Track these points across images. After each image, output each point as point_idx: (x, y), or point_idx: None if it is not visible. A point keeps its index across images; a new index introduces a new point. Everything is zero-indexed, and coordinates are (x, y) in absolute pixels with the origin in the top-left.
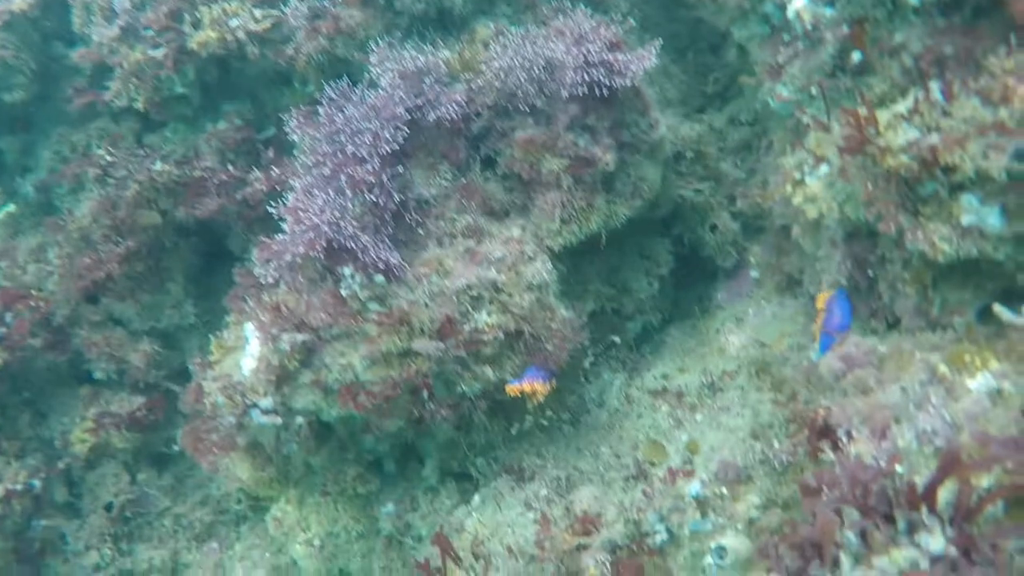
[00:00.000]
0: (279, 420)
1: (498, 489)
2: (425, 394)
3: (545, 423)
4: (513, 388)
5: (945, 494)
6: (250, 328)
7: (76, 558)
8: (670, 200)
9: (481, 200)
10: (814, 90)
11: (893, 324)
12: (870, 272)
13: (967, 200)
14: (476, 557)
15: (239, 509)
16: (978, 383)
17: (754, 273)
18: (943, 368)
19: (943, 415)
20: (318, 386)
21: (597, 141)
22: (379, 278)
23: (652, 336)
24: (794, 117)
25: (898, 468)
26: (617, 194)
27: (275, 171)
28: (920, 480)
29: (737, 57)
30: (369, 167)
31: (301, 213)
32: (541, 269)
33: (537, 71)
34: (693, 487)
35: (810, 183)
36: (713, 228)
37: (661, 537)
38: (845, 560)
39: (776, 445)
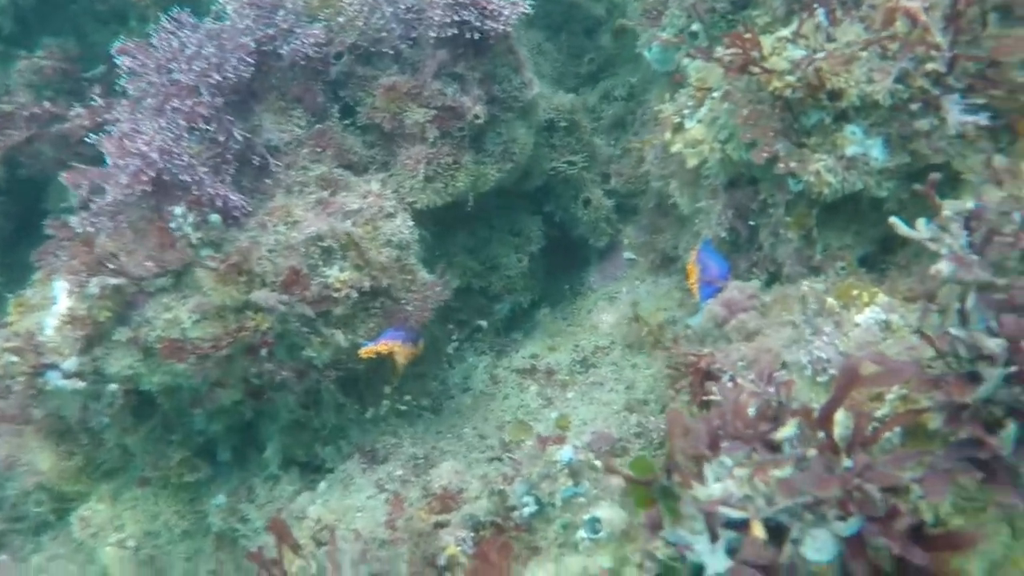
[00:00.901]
0: (81, 384)
1: (347, 472)
2: (264, 352)
3: (403, 408)
4: (368, 351)
5: (839, 429)
6: (60, 285)
7: None
8: (542, 172)
9: (338, 150)
10: (696, 26)
11: (774, 276)
12: (751, 222)
13: (851, 130)
14: (319, 544)
15: (39, 513)
16: (866, 317)
17: (628, 254)
18: (831, 301)
19: (835, 344)
20: (136, 345)
21: (467, 92)
22: (214, 217)
23: (521, 318)
24: (672, 70)
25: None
26: (487, 154)
27: (101, 106)
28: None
29: (611, 41)
30: (206, 98)
31: (127, 143)
32: (402, 226)
33: (404, 8)
34: (564, 453)
35: (690, 127)
36: (587, 203)
37: (529, 510)
38: (712, 470)
39: (652, 419)
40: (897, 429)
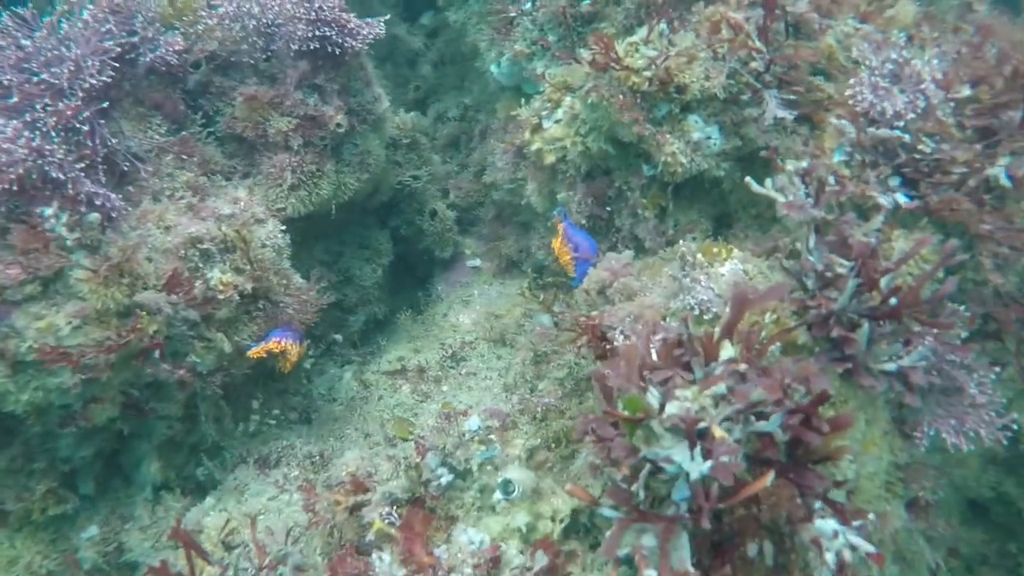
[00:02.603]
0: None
1: (238, 480)
2: (157, 355)
3: (273, 422)
4: (258, 351)
5: (727, 352)
6: None
7: None
8: (389, 186)
9: (201, 159)
10: (551, 36)
11: (636, 251)
12: (608, 208)
13: (693, 119)
14: (228, 548)
15: None
16: (728, 267)
17: (473, 262)
18: (700, 256)
19: (712, 288)
20: (3, 359)
21: (327, 102)
22: (94, 216)
23: (374, 330)
24: (517, 83)
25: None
26: (345, 163)
27: None
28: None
29: (431, 71)
30: (72, 101)
31: None
32: (274, 231)
33: (264, 23)
34: (472, 422)
35: (548, 127)
36: (433, 214)
37: (445, 479)
38: (653, 396)
39: (530, 397)
40: (777, 344)
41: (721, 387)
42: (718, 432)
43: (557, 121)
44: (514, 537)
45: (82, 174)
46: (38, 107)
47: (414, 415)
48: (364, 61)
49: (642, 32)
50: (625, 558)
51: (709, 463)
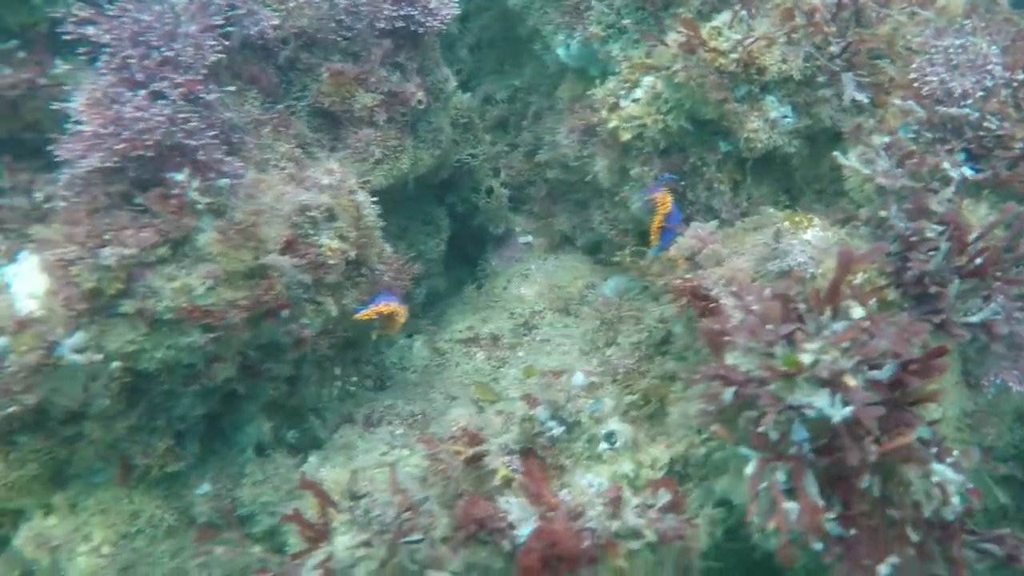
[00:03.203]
0: (99, 356)
1: (344, 440)
2: (285, 314)
3: (352, 389)
4: (367, 313)
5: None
6: (18, 267)
7: None
8: (450, 164)
9: (296, 132)
10: (628, 21)
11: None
12: (683, 183)
13: (770, 99)
14: (354, 498)
15: None
16: (811, 235)
17: (525, 239)
18: (787, 223)
19: (804, 251)
20: (143, 318)
21: (408, 80)
22: (223, 182)
23: (432, 303)
24: (586, 64)
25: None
26: (420, 139)
27: (32, 69)
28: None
29: (469, 55)
30: (196, 75)
31: (118, 108)
32: (366, 203)
33: (352, 1)
34: (577, 378)
35: (625, 105)
36: (490, 191)
37: (556, 431)
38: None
39: (613, 360)
40: (874, 300)
41: (846, 342)
42: (851, 381)
43: (635, 100)
44: (623, 482)
45: (214, 141)
46: (163, 80)
47: (494, 380)
48: (435, 41)
49: (724, 17)
50: (720, 500)
51: (850, 407)
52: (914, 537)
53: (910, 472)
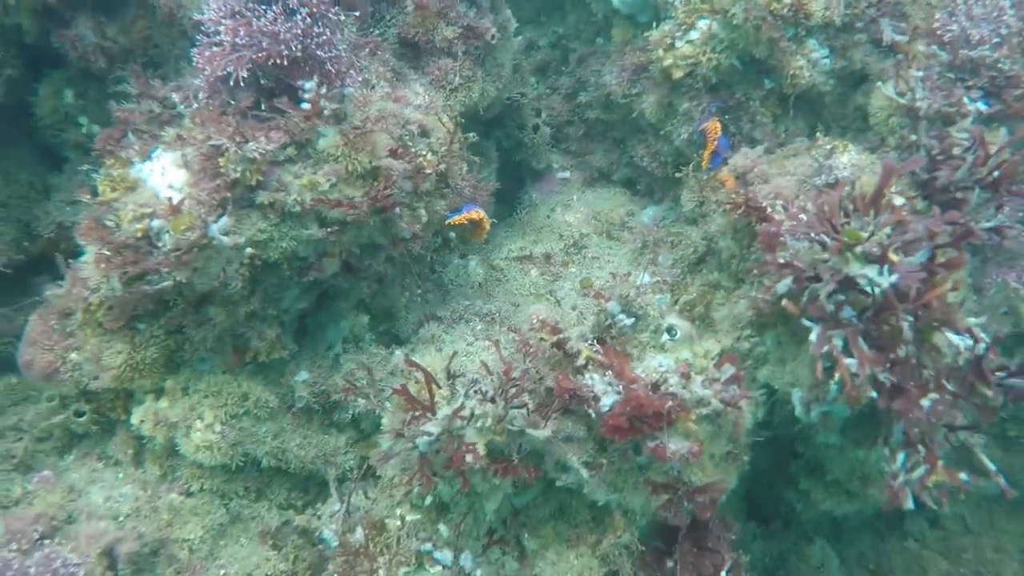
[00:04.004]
0: (241, 239)
1: (429, 334)
2: (398, 211)
3: (415, 299)
4: (458, 219)
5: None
6: (153, 164)
7: None
8: (502, 100)
9: (387, 56)
10: None
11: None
12: (727, 115)
13: (812, 42)
14: (452, 376)
15: (76, 427)
16: (850, 156)
17: (563, 174)
18: (828, 147)
19: (846, 168)
20: (274, 210)
21: (483, 16)
22: (348, 90)
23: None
24: (635, 11)
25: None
26: (487, 72)
27: None
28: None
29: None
30: None
31: (256, 21)
32: (449, 123)
33: None
34: (644, 277)
35: (680, 46)
36: (536, 128)
37: (625, 323)
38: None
39: (664, 270)
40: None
41: (888, 229)
42: (894, 256)
43: (690, 41)
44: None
45: (343, 53)
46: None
47: (550, 292)
48: None
49: None
50: (762, 385)
51: (896, 275)
52: (949, 386)
53: (939, 339)
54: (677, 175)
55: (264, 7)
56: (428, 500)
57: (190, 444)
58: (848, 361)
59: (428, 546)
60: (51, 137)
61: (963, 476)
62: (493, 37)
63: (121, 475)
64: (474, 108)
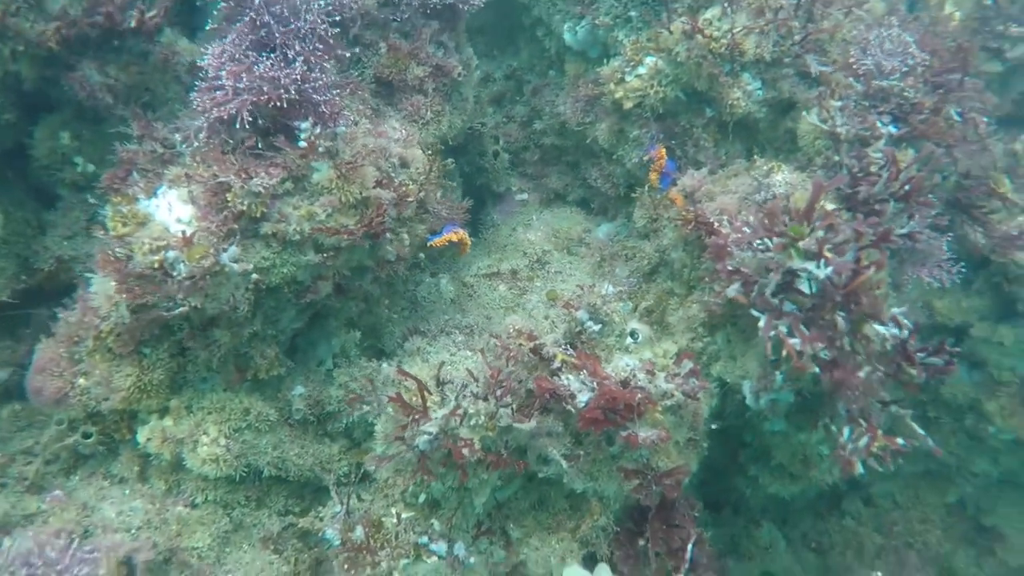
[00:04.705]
0: (249, 266)
1: (414, 346)
2: (388, 236)
3: (396, 316)
4: (439, 241)
5: (831, 205)
6: (159, 200)
7: None
8: (463, 131)
9: (364, 96)
10: (633, 12)
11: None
12: (673, 141)
13: (746, 75)
14: (440, 383)
15: (82, 448)
16: (781, 177)
17: (521, 196)
18: (765, 167)
19: (781, 186)
20: (276, 239)
21: (449, 56)
22: (341, 129)
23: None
24: (588, 48)
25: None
26: (454, 107)
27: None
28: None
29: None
30: (317, 46)
31: (256, 66)
32: (429, 155)
33: None
34: (607, 288)
35: (630, 80)
36: (496, 155)
37: (593, 329)
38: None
39: (617, 286)
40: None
41: (820, 232)
42: (828, 253)
43: (638, 76)
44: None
45: (336, 97)
46: (297, 46)
47: (518, 305)
48: (464, 24)
49: (714, 11)
50: (715, 379)
51: (830, 268)
52: (878, 366)
53: (869, 330)
54: (632, 195)
55: (262, 55)
56: (422, 498)
57: (197, 458)
58: (793, 340)
59: (424, 539)
60: (46, 177)
61: (900, 441)
62: (459, 74)
63: (128, 491)
64: (444, 139)
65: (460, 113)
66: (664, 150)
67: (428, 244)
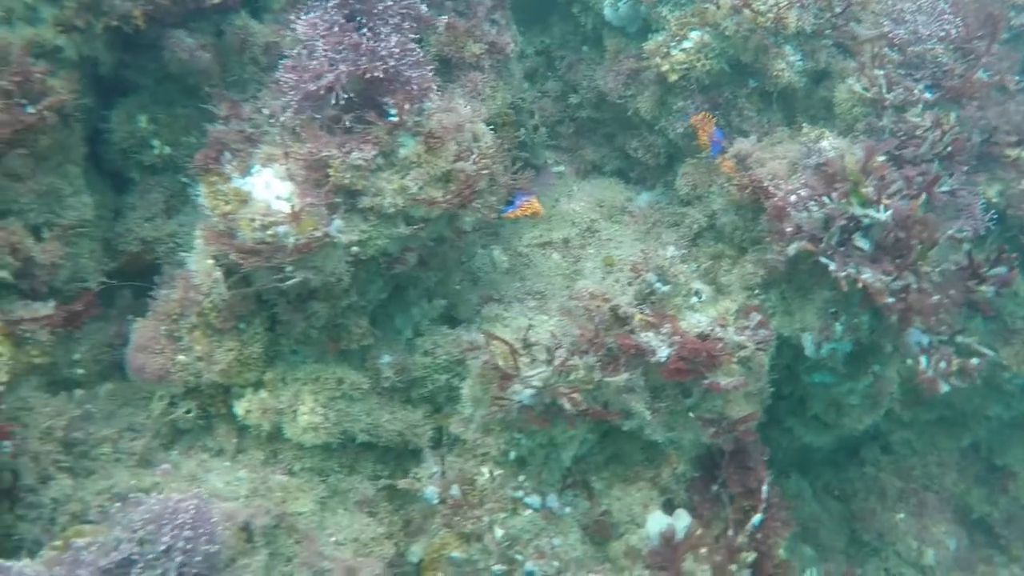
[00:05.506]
0: (355, 237)
1: (491, 313)
2: (477, 204)
3: (458, 287)
4: (515, 212)
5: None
6: (255, 178)
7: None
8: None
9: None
10: None
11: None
12: (717, 111)
13: (788, 47)
14: (527, 346)
15: (181, 423)
16: (827, 142)
17: (557, 168)
18: (813, 134)
19: (831, 150)
20: (373, 212)
21: (502, 33)
22: (428, 104)
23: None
24: (627, 24)
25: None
26: (504, 82)
27: None
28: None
29: None
30: (412, 23)
31: (352, 37)
32: (486, 129)
33: None
34: (671, 250)
35: (675, 53)
36: (536, 128)
37: (663, 290)
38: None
39: (673, 251)
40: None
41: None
42: (886, 200)
43: (683, 50)
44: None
45: (428, 72)
46: (391, 21)
47: (575, 272)
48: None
49: None
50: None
51: (890, 211)
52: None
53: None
54: (674, 164)
55: (357, 26)
56: (512, 455)
57: (297, 428)
58: (865, 275)
59: (519, 493)
60: (122, 160)
61: (974, 360)
62: (512, 51)
63: (229, 462)
64: (499, 113)
65: (510, 89)
66: (706, 115)
67: (502, 215)
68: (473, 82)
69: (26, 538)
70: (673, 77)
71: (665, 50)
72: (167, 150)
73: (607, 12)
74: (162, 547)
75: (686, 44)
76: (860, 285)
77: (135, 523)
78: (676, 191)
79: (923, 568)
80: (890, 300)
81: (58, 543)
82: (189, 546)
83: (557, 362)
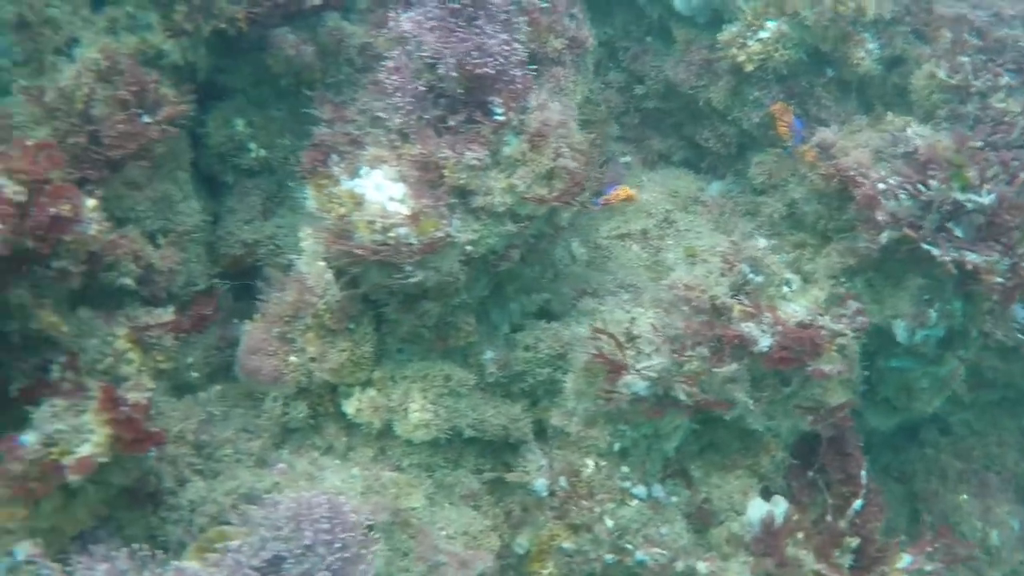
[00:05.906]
0: (473, 237)
1: (587, 307)
2: (583, 198)
3: (553, 282)
4: (607, 199)
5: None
6: (366, 180)
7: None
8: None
9: None
10: None
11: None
12: (794, 101)
13: (867, 35)
14: (631, 338)
15: (291, 423)
16: (911, 130)
17: (624, 159)
18: (900, 122)
19: (917, 139)
20: (485, 211)
21: (580, 27)
22: (531, 103)
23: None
24: (698, 14)
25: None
26: (581, 76)
27: None
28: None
29: None
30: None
31: (454, 33)
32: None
33: None
34: (761, 241)
35: (751, 44)
36: (605, 121)
37: (757, 280)
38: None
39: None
40: None
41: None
42: (989, 184)
43: (760, 40)
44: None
45: (529, 72)
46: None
47: (656, 263)
48: None
49: None
50: None
51: (993, 195)
52: None
53: None
54: (746, 154)
55: (467, 20)
56: (616, 446)
57: (408, 424)
58: (971, 256)
59: (627, 483)
60: (219, 164)
61: None
62: (591, 45)
63: (340, 460)
64: (579, 108)
65: (587, 83)
66: (784, 105)
67: (597, 205)
68: (556, 77)
69: (170, 539)
70: (749, 67)
71: (741, 40)
72: (263, 153)
73: (677, 3)
74: (306, 543)
75: (763, 34)
76: (969, 268)
77: (279, 522)
78: (749, 180)
79: (989, 548)
80: (998, 281)
81: (203, 544)
82: (329, 538)
83: (670, 355)
